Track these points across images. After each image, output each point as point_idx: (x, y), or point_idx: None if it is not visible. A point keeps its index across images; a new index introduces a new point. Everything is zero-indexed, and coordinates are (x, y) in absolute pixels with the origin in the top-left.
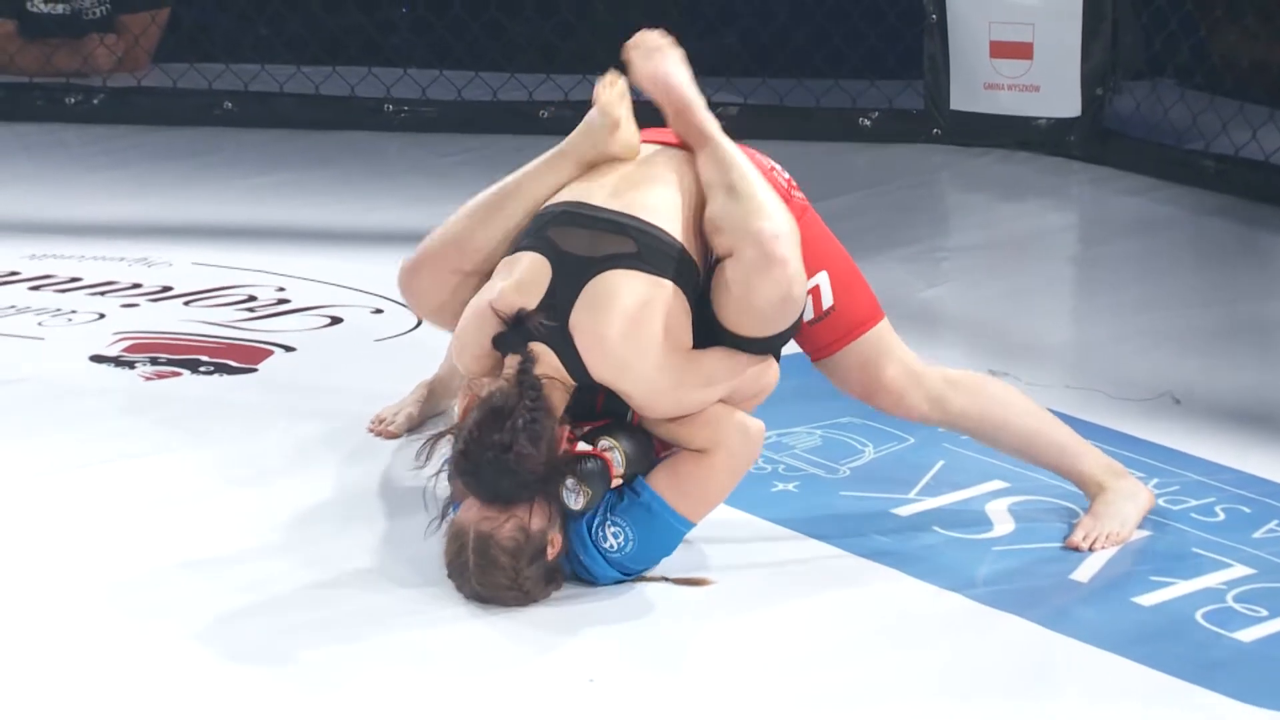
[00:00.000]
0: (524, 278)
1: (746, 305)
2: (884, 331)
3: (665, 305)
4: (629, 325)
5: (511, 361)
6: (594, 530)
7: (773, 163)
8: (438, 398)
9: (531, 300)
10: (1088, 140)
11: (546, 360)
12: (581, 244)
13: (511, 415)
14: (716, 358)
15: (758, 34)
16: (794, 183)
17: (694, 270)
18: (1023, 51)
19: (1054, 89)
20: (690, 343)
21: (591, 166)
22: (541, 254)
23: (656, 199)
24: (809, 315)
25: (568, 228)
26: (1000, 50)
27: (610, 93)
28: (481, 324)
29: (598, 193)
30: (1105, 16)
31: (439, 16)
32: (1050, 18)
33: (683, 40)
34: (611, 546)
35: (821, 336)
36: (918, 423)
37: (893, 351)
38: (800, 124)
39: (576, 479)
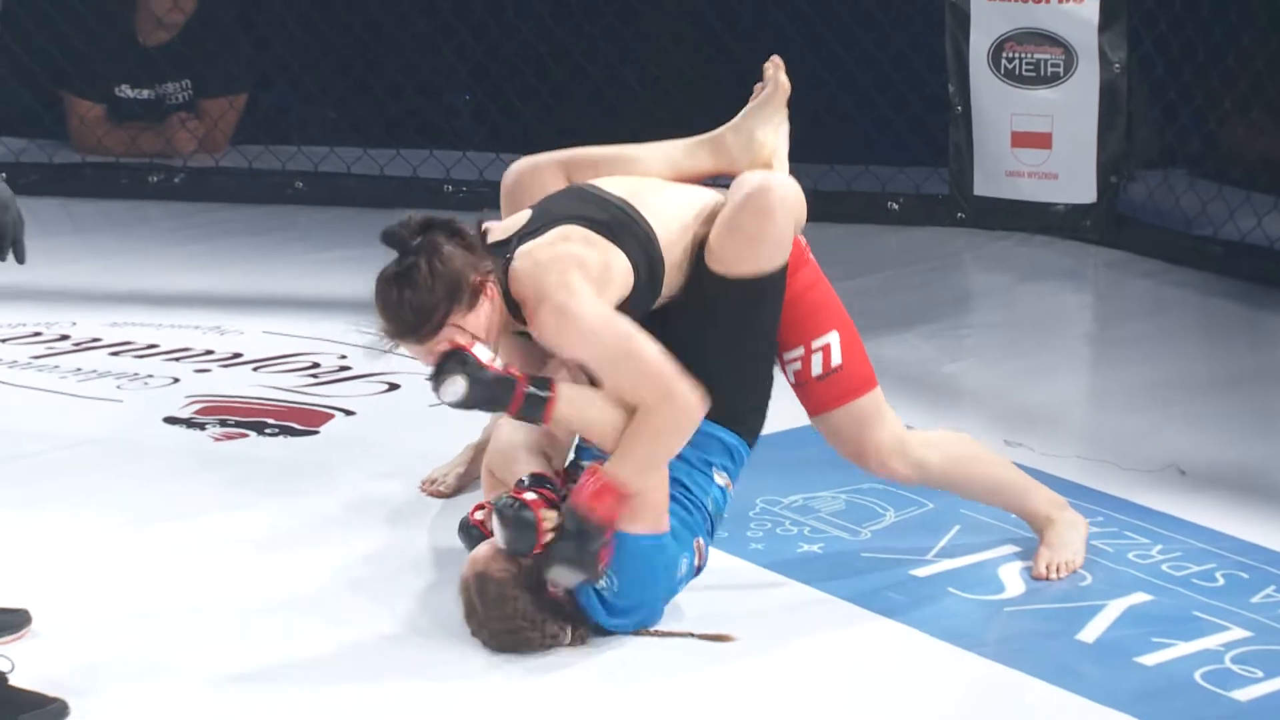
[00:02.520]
0: (507, 222)
1: (733, 229)
2: (879, 397)
3: (603, 256)
4: (557, 252)
5: None
6: None
7: None
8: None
9: (501, 235)
10: (1103, 225)
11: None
12: (565, 207)
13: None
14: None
15: (793, 121)
16: (807, 245)
17: (658, 271)
18: (1042, 141)
19: (1071, 177)
20: (614, 301)
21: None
22: (531, 209)
23: (661, 207)
24: (817, 371)
25: (563, 198)
26: (1021, 140)
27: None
28: None
29: (612, 185)
30: (1120, 109)
31: (495, 102)
32: (1068, 110)
33: (721, 125)
34: (601, 586)
35: (826, 392)
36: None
37: (885, 417)
38: (832, 207)
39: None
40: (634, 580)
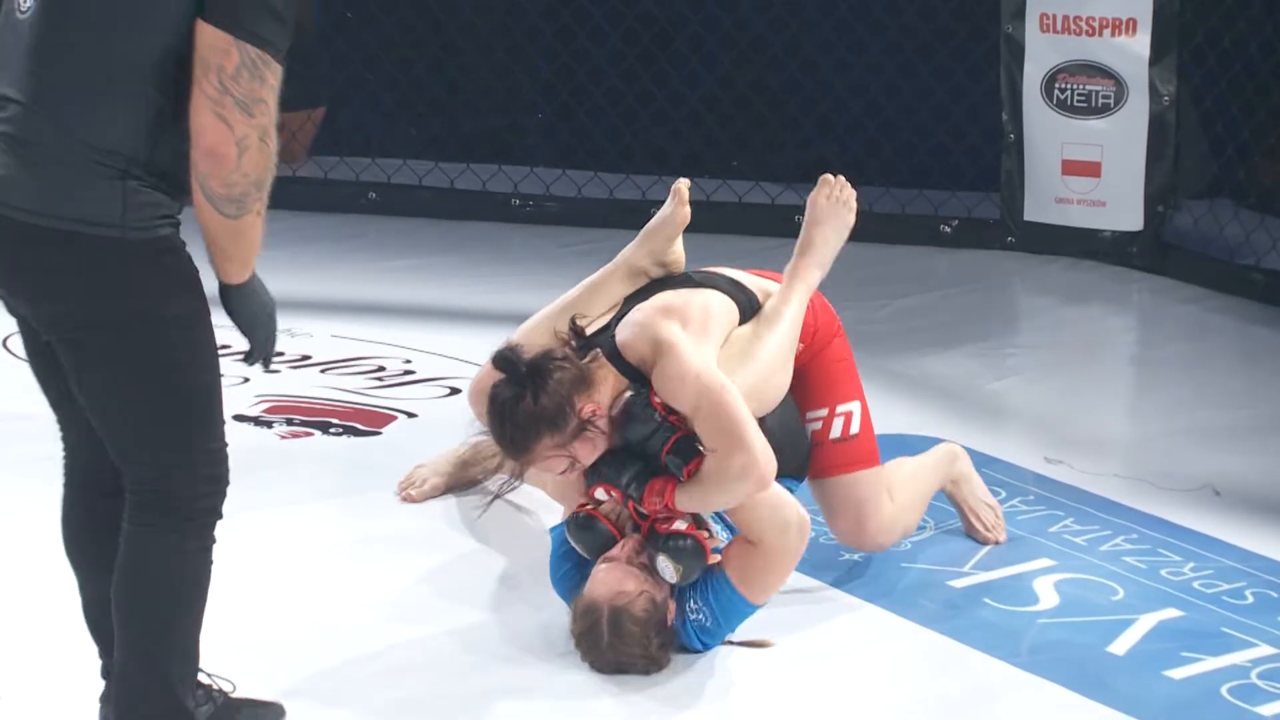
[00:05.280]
0: (608, 302)
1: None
2: (881, 476)
3: (701, 298)
4: (655, 309)
5: None
6: (685, 600)
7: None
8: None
9: (604, 316)
10: (1148, 252)
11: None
12: (646, 291)
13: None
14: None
15: (851, 146)
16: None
17: (755, 301)
18: (1091, 170)
19: (1119, 205)
20: (720, 334)
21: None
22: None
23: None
24: (836, 434)
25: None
26: (1071, 168)
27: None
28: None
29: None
30: (1168, 141)
31: (564, 121)
32: (1118, 140)
33: (782, 150)
34: (694, 617)
35: (839, 456)
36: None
37: (884, 496)
38: (887, 229)
39: (669, 555)
40: (721, 625)
